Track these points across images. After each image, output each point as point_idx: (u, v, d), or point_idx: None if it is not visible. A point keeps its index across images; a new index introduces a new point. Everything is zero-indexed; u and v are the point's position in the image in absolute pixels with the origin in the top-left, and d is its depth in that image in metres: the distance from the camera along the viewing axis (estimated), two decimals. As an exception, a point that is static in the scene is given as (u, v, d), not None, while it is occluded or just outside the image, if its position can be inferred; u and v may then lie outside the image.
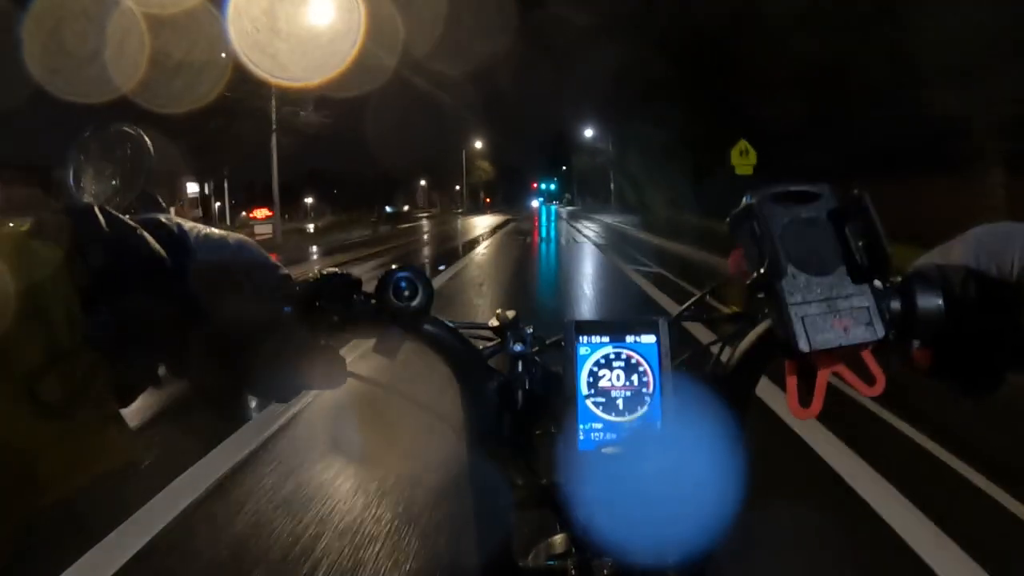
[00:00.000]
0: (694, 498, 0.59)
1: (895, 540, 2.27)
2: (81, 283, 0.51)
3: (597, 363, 0.64)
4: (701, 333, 3.72)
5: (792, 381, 0.56)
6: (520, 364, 0.67)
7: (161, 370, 0.57)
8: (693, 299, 0.78)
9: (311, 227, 33.99)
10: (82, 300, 0.51)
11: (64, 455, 0.52)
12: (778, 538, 2.20)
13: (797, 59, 14.85)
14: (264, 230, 24.65)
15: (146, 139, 0.75)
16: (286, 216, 40.44)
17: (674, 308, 0.74)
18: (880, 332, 0.51)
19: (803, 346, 0.50)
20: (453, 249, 18.03)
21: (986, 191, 10.55)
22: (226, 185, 30.52)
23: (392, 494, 2.70)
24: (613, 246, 17.29)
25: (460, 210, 71.24)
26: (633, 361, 0.64)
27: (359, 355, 0.70)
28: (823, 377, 0.54)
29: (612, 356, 0.64)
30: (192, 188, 29.22)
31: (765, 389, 3.05)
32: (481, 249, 17.21)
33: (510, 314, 0.70)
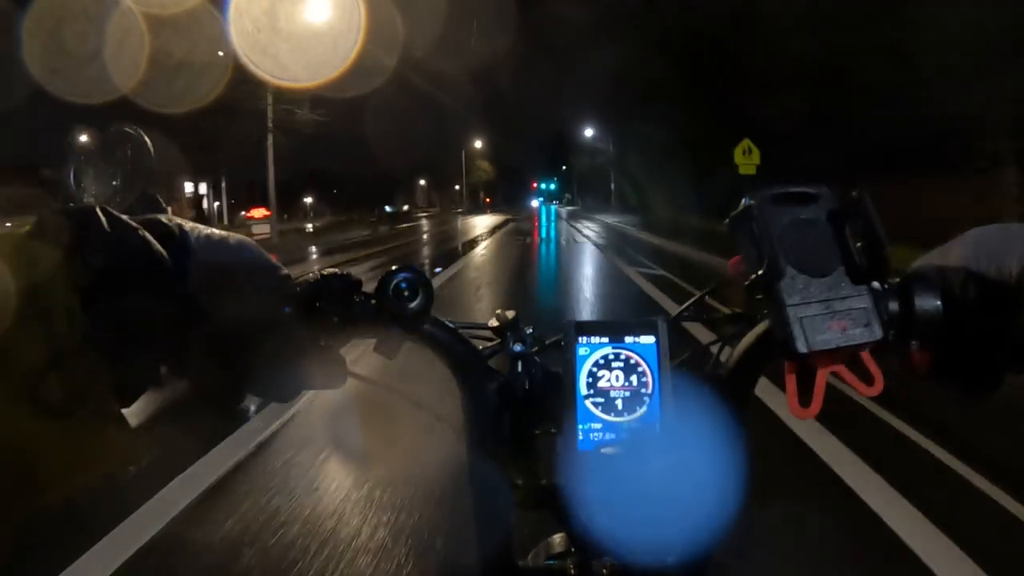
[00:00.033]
0: (694, 498, 0.60)
1: (894, 540, 2.27)
2: (82, 283, 0.51)
3: (596, 363, 0.64)
4: (701, 333, 3.72)
5: (791, 381, 0.56)
6: (520, 364, 0.67)
7: (162, 370, 0.57)
8: (692, 299, 0.78)
9: (310, 227, 33.91)
10: (82, 300, 0.51)
11: (64, 455, 0.52)
12: (777, 539, 2.20)
13: (798, 59, 14.86)
14: (262, 230, 24.49)
15: (146, 139, 0.75)
16: (285, 216, 40.43)
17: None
18: (878, 333, 0.51)
19: (801, 347, 0.50)
20: (451, 250, 17.89)
21: (1001, 191, 10.45)
22: (224, 185, 30.48)
23: (392, 493, 2.70)
24: (614, 247, 17.07)
25: (460, 210, 71.20)
26: (632, 362, 0.64)
27: (359, 355, 0.70)
28: (822, 377, 0.55)
29: (611, 356, 0.64)
30: (190, 188, 29.17)
31: (765, 389, 3.06)
32: (480, 250, 17.03)
33: (510, 314, 0.70)
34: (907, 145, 11.96)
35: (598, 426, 0.63)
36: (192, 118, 19.45)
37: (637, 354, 0.64)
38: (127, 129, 0.76)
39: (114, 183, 0.74)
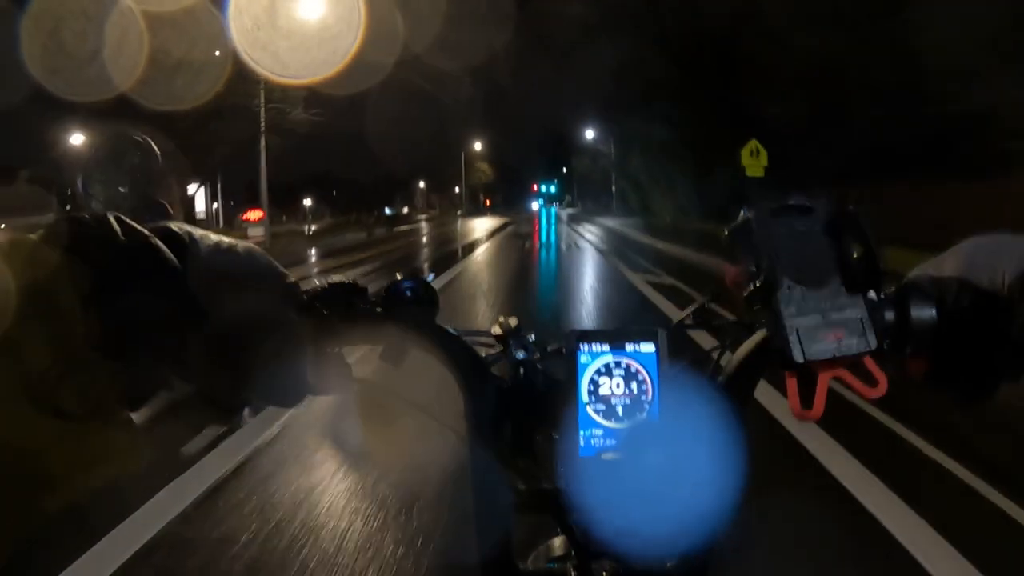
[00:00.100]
0: (693, 502, 0.61)
1: (891, 542, 2.28)
2: (93, 290, 0.52)
3: (598, 371, 0.65)
4: (701, 340, 3.72)
5: (792, 384, 0.57)
6: (522, 371, 0.69)
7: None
8: (692, 307, 0.80)
9: (306, 229, 33.69)
10: (94, 307, 0.52)
11: (75, 458, 0.53)
12: (776, 542, 2.21)
13: (800, 58, 14.80)
14: (256, 233, 24.03)
15: (155, 147, 0.76)
16: (284, 218, 40.26)
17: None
18: (872, 343, 0.52)
19: (798, 357, 0.52)
20: (450, 253, 17.72)
21: (1011, 193, 10.21)
22: (219, 187, 30.27)
23: (393, 496, 2.71)
24: (617, 252, 16.28)
25: (460, 212, 71.09)
26: (633, 369, 0.65)
27: (360, 355, 0.71)
28: (824, 380, 0.56)
29: (612, 364, 0.65)
30: (189, 190, 28.98)
31: (765, 393, 3.07)
32: (478, 254, 16.71)
33: (512, 322, 0.71)
34: (911, 145, 11.91)
35: (599, 432, 0.64)
36: (184, 118, 19.11)
37: (637, 362, 0.65)
38: (136, 137, 0.77)
39: (122, 190, 0.75)
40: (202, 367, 0.57)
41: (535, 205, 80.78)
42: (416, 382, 0.74)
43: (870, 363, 0.55)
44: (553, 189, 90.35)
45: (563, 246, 19.51)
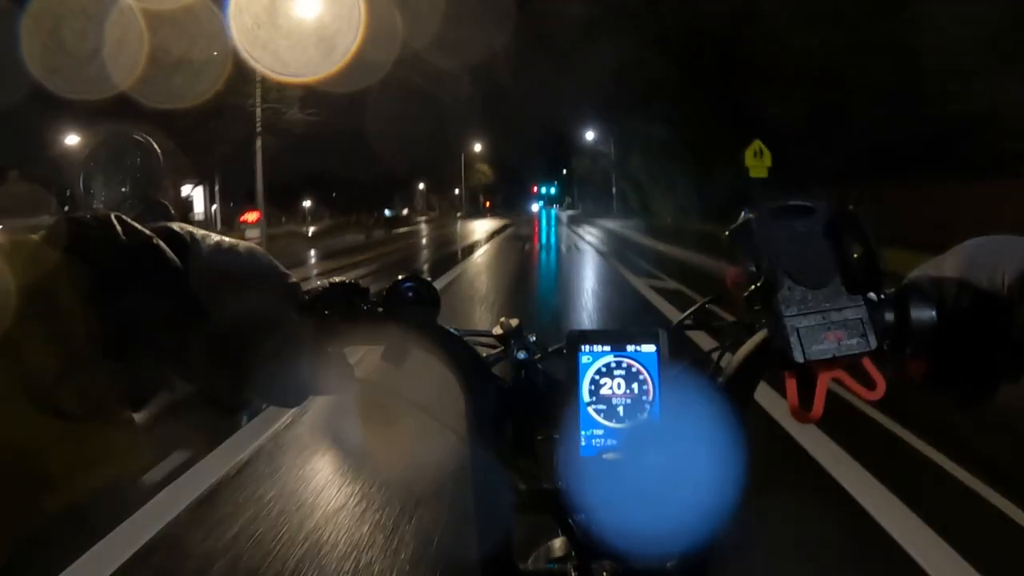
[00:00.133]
0: (693, 502, 0.61)
1: (891, 543, 2.28)
2: (94, 289, 0.52)
3: (599, 371, 0.65)
4: (702, 340, 3.72)
5: (792, 385, 0.57)
6: (523, 371, 0.69)
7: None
8: (693, 308, 0.80)
9: (306, 230, 33.53)
10: (94, 306, 0.52)
11: (75, 458, 0.53)
12: (776, 543, 2.21)
13: (800, 58, 14.77)
14: (254, 234, 23.65)
15: (156, 147, 0.76)
16: (283, 219, 40.17)
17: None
18: (873, 344, 0.52)
19: (798, 357, 0.52)
20: (449, 255, 17.59)
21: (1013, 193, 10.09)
22: (216, 188, 30.13)
23: (393, 496, 2.71)
24: (619, 255, 15.86)
25: (460, 214, 71.01)
26: (634, 370, 0.65)
27: (361, 355, 0.71)
28: (823, 382, 0.56)
29: (613, 365, 0.65)
30: (185, 190, 28.83)
31: (764, 395, 3.07)
32: (477, 257, 16.45)
33: (513, 322, 0.72)
34: (911, 145, 11.89)
35: (600, 432, 0.64)
36: (184, 116, 18.91)
37: (638, 362, 0.65)
38: (137, 137, 0.78)
39: (123, 190, 0.75)
40: (203, 367, 0.57)
41: (535, 207, 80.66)
42: (417, 382, 0.74)
43: (869, 365, 0.55)
44: (553, 191, 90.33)
45: (563, 248, 19.31)
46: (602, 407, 0.65)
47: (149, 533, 2.43)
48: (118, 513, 2.53)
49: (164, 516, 2.55)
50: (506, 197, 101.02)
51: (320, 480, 2.93)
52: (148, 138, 0.77)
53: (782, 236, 0.54)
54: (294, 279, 0.64)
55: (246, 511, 2.61)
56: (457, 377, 0.69)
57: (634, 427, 0.64)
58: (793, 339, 0.52)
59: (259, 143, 22.48)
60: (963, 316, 0.55)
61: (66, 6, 14.85)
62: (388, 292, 0.65)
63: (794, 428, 3.18)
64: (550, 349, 0.71)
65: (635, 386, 0.65)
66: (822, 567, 2.20)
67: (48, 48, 14.45)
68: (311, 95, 23.35)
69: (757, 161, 14.46)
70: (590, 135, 50.94)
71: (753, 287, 0.55)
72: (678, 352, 0.68)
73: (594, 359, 0.66)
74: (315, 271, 14.81)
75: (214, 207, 30.25)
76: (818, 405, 0.56)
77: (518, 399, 0.68)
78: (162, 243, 0.55)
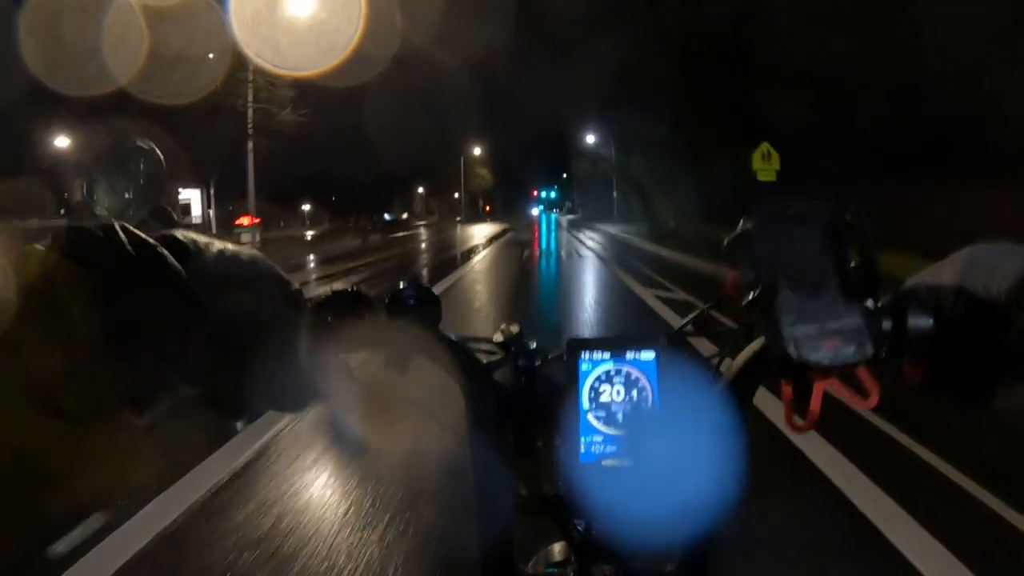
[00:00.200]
0: (692, 506, 0.61)
1: (887, 545, 2.28)
2: (95, 291, 0.52)
3: (598, 378, 0.66)
4: (702, 346, 3.73)
5: (787, 395, 0.58)
6: (523, 377, 0.69)
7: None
8: (693, 314, 0.80)
9: (304, 235, 33.23)
10: (96, 308, 0.52)
11: (75, 458, 0.54)
12: (773, 545, 2.22)
13: (803, 58, 14.67)
14: (248, 239, 23.13)
15: (159, 154, 0.77)
16: (282, 223, 39.99)
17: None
18: (869, 352, 0.53)
19: (795, 364, 0.52)
20: (448, 260, 17.41)
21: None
22: (211, 192, 29.89)
23: (393, 497, 2.71)
24: (621, 262, 15.26)
25: (459, 218, 70.86)
26: (633, 377, 0.66)
27: (363, 362, 0.71)
28: (819, 391, 0.56)
29: (613, 372, 0.66)
30: (184, 195, 28.64)
31: (763, 399, 3.06)
32: (476, 262, 16.10)
33: (514, 329, 0.72)
34: (911, 145, 11.84)
35: (599, 438, 0.65)
36: (183, 113, 18.55)
37: (638, 369, 0.66)
38: (140, 144, 0.78)
39: (127, 196, 0.76)
40: (204, 368, 0.57)
41: (535, 211, 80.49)
42: (418, 388, 0.75)
43: (863, 374, 0.55)
44: (553, 195, 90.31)
45: (563, 254, 18.83)
46: (602, 413, 0.65)
47: (149, 534, 2.42)
48: (118, 513, 2.52)
49: (164, 517, 2.55)
50: (506, 201, 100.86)
51: (320, 481, 2.93)
52: (151, 144, 0.78)
53: (781, 243, 0.55)
54: (296, 285, 0.65)
55: (246, 512, 2.61)
56: (458, 383, 0.69)
57: (633, 433, 0.65)
58: (790, 346, 0.52)
59: (251, 144, 22.16)
60: (960, 323, 0.56)
61: (64, 2, 14.82)
62: (390, 299, 0.66)
63: (792, 431, 3.18)
64: (550, 356, 0.72)
65: (635, 393, 0.66)
66: (819, 568, 2.21)
67: (46, 45, 14.42)
68: (310, 93, 23.16)
69: (765, 164, 14.07)
70: (591, 138, 50.80)
71: (752, 294, 0.55)
72: (678, 358, 0.68)
73: (594, 366, 0.66)
74: (316, 276, 14.66)
75: (210, 211, 30.15)
76: (813, 413, 0.56)
77: (518, 405, 0.69)
78: (166, 251, 0.56)
